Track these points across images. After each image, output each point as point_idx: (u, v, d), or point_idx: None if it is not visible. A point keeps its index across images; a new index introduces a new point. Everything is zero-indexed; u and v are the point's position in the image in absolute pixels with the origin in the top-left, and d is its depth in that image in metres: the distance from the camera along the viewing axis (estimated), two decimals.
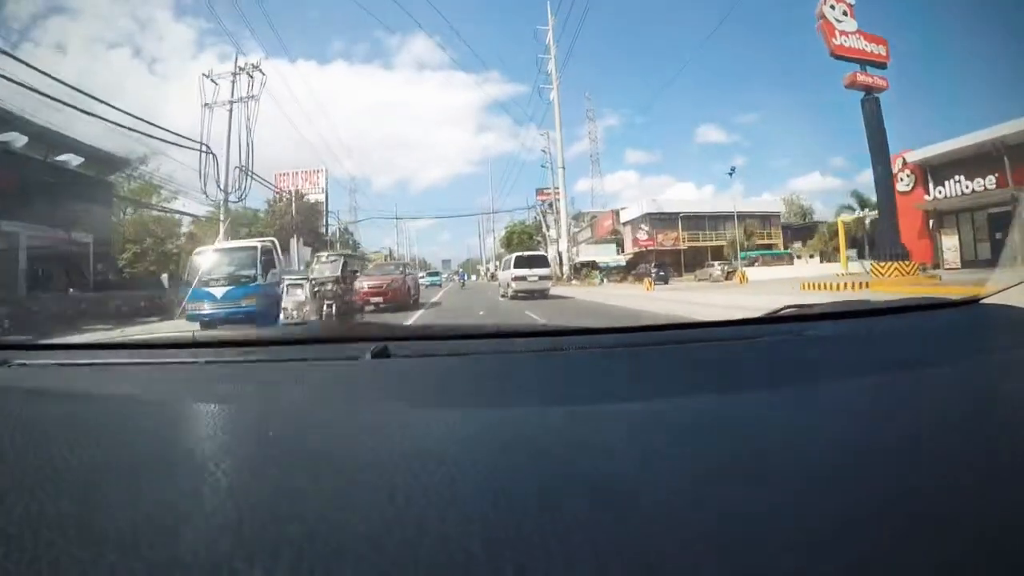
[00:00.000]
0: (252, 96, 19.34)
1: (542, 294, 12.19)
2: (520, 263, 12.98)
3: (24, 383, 0.92)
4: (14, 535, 0.36)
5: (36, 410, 0.73)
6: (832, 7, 15.19)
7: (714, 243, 31.66)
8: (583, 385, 0.80)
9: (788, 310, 1.29)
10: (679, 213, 31.96)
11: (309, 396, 0.78)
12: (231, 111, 19.06)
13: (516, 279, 12.38)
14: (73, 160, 18.42)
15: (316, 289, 9.74)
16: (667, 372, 0.89)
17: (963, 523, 0.37)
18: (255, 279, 9.83)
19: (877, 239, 17.14)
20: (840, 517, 0.38)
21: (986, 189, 18.56)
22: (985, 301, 1.17)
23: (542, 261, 13.81)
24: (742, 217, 28.03)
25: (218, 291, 9.58)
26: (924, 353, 0.94)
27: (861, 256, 23.13)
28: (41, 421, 0.67)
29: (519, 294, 12.07)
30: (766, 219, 33.78)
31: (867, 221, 23.83)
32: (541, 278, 12.48)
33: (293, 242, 21.48)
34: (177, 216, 23.66)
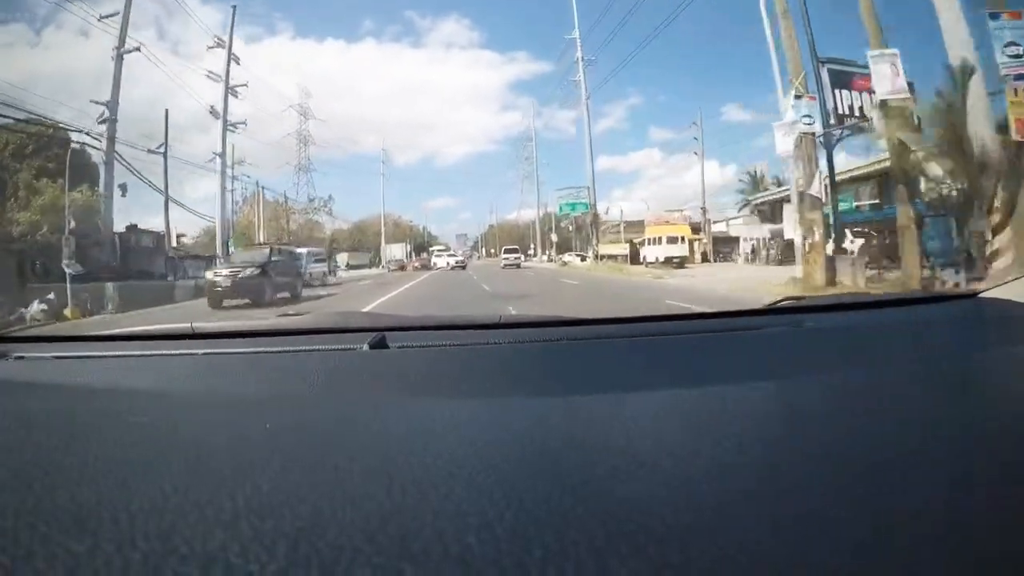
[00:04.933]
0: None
1: (517, 266, 25.83)
2: (507, 251, 28.02)
3: (22, 376, 0.92)
4: (10, 527, 0.36)
5: (34, 403, 0.73)
6: None
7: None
8: (582, 376, 0.80)
9: (787, 302, 1.29)
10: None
11: (306, 387, 0.77)
12: None
13: (504, 258, 27.41)
14: None
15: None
16: (667, 363, 0.88)
17: (960, 514, 0.37)
18: None
19: None
20: (838, 507, 0.38)
21: None
22: (983, 295, 1.17)
23: (516, 250, 28.79)
24: None
25: None
26: (922, 346, 0.94)
27: None
28: (39, 414, 0.67)
29: (507, 265, 25.54)
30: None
31: None
32: (516, 258, 27.23)
33: None
34: None
